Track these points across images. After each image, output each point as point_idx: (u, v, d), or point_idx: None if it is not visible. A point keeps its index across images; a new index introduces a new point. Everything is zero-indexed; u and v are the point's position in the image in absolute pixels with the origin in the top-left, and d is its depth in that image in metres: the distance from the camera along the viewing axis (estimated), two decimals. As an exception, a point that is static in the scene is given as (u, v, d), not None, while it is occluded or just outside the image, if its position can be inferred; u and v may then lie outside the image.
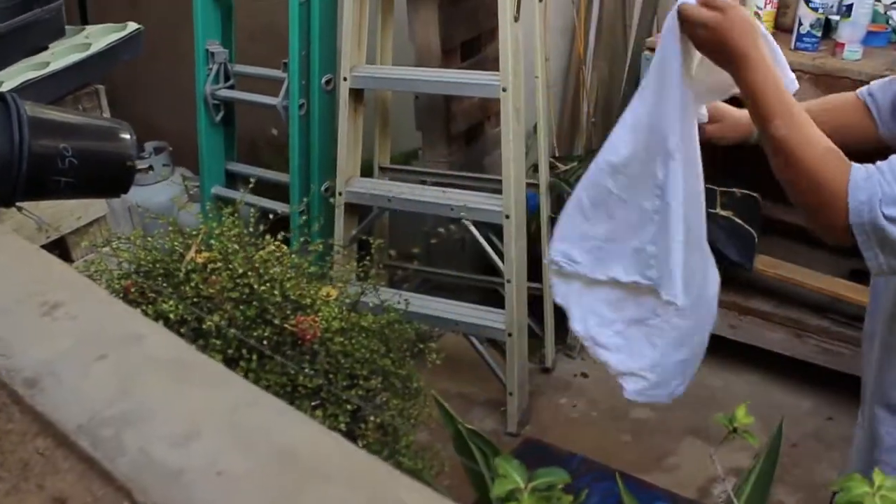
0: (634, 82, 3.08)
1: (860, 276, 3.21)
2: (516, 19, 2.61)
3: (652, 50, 2.85)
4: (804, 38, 2.77)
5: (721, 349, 3.23)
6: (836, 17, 2.76)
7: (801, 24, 2.77)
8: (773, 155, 1.34)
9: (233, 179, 3.38)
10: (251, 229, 1.85)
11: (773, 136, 1.31)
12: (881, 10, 2.92)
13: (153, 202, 3.33)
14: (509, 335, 2.84)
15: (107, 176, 1.50)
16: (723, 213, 3.10)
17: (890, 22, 2.88)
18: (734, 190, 3.21)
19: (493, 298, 3.13)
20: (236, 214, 1.82)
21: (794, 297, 3.07)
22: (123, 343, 1.01)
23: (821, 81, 2.66)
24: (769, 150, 1.34)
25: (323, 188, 3.09)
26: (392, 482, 0.81)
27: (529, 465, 0.80)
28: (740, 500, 1.32)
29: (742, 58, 1.29)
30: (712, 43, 1.31)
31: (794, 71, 2.63)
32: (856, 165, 1.27)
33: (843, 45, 2.69)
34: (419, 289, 3.36)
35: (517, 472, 0.75)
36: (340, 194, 2.97)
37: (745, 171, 3.36)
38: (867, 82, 2.56)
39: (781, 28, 2.88)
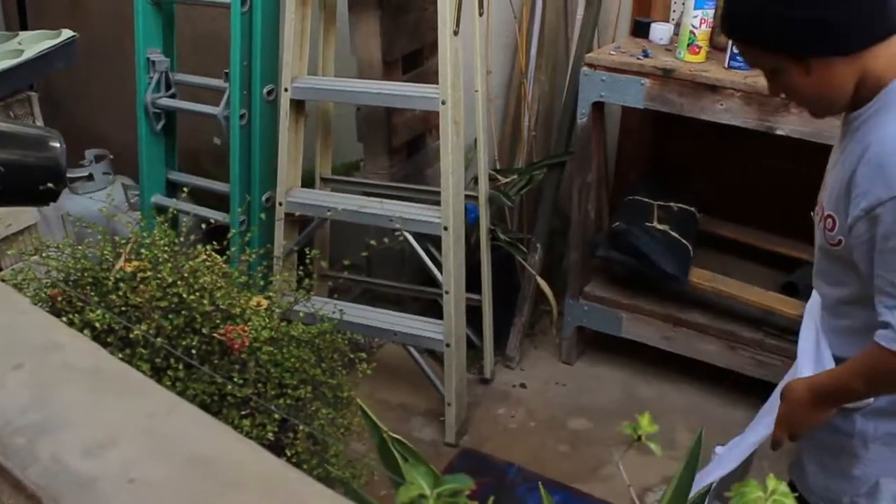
0: (574, 96, 3.12)
1: (793, 289, 3.29)
2: (456, 33, 2.64)
3: (591, 66, 2.92)
4: (737, 58, 2.83)
5: (656, 361, 3.29)
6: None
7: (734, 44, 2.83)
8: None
9: (173, 189, 3.35)
10: (191, 238, 1.85)
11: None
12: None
13: (92, 211, 3.29)
14: (447, 346, 2.86)
15: (35, 184, 1.49)
16: (659, 226, 3.16)
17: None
18: (671, 204, 3.28)
19: (434, 309, 3.15)
20: (174, 223, 1.81)
21: (728, 309, 3.13)
22: (41, 352, 1.01)
23: (752, 100, 2.72)
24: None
25: (264, 198, 3.08)
26: (304, 490, 0.82)
27: (468, 474, 0.81)
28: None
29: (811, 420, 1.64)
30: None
31: (727, 89, 2.74)
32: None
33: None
34: (359, 299, 3.37)
35: (424, 478, 0.77)
36: (281, 204, 2.97)
37: (684, 187, 3.43)
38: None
39: (716, 47, 2.94)
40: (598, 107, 3.05)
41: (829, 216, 1.52)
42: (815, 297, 1.78)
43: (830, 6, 1.36)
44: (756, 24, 1.43)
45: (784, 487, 0.79)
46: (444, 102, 2.66)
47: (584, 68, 2.96)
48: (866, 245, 1.43)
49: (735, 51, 2.84)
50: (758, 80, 2.75)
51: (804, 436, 1.70)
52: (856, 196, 1.41)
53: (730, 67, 2.85)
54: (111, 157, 3.75)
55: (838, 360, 1.64)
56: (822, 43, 1.38)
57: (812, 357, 1.71)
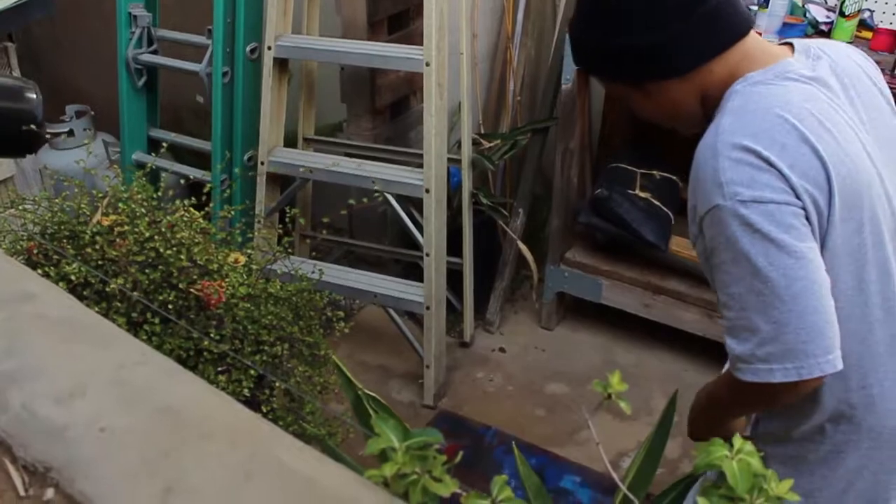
0: (560, 61, 3.11)
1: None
2: (442, -6, 2.62)
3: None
4: (723, 25, 2.83)
5: (635, 327, 3.31)
6: (755, 7, 2.82)
7: (720, 12, 2.82)
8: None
9: (155, 146, 3.32)
10: (171, 193, 1.83)
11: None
12: (799, 2, 2.99)
13: (73, 167, 3.26)
14: (427, 308, 2.86)
15: (10, 135, 1.47)
16: (641, 194, 3.16)
17: (807, 15, 2.95)
18: (654, 172, 3.28)
19: (415, 272, 3.15)
20: (154, 180, 1.80)
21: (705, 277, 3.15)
22: (13, 301, 1.01)
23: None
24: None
25: (246, 157, 3.06)
26: (273, 441, 0.83)
27: (445, 436, 0.82)
28: (632, 470, 1.36)
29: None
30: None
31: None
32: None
33: (759, 34, 2.75)
34: (340, 261, 3.36)
35: (393, 432, 0.77)
36: (262, 164, 2.95)
37: (667, 156, 3.43)
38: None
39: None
40: (584, 72, 3.03)
41: (692, 232, 1.43)
42: None
43: (651, 31, 1.32)
44: (586, 53, 1.43)
45: (749, 446, 0.80)
46: (428, 64, 2.65)
47: (571, 33, 2.94)
48: (703, 262, 1.37)
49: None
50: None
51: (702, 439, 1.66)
52: (690, 210, 1.35)
53: (716, 35, 2.84)
54: (92, 112, 3.71)
55: None
56: (648, 68, 1.36)
57: None
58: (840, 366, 1.21)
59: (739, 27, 1.35)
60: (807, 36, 2.91)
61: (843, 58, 1.43)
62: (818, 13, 2.94)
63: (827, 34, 2.88)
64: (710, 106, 1.39)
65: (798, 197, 1.22)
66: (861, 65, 1.46)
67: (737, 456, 0.79)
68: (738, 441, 0.80)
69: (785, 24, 2.80)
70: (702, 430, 1.58)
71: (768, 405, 1.44)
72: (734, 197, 1.21)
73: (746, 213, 1.20)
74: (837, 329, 1.22)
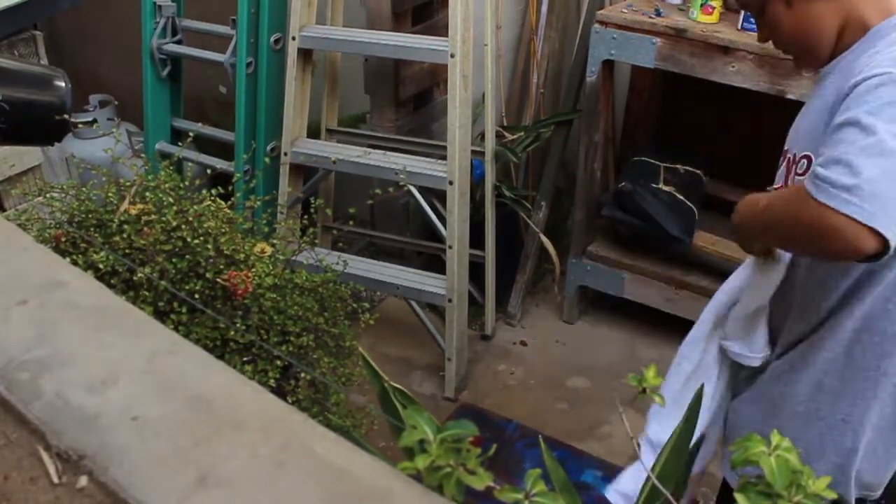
0: (584, 54, 3.09)
1: (795, 255, 3.28)
2: (467, -14, 2.61)
3: (602, 23, 2.88)
4: (751, 20, 2.80)
5: (658, 322, 3.29)
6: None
7: (748, 5, 2.80)
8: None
9: (178, 136, 3.33)
10: (196, 183, 1.84)
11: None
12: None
13: (96, 157, 3.27)
14: (449, 301, 2.86)
15: (39, 123, 1.48)
16: (665, 188, 3.14)
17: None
18: (678, 166, 3.26)
19: (437, 264, 3.15)
20: (178, 170, 1.80)
21: (731, 273, 3.13)
22: (45, 289, 1.01)
23: (765, 62, 2.70)
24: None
25: (269, 148, 3.06)
26: (306, 432, 0.82)
27: None
28: (658, 463, 1.35)
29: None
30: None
31: (739, 51, 2.71)
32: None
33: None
34: (363, 253, 3.36)
35: (427, 424, 0.77)
36: (286, 154, 2.95)
37: (691, 149, 3.41)
38: (809, 64, 2.61)
39: (730, 8, 2.91)
40: (608, 65, 3.02)
41: (805, 157, 1.44)
42: None
43: None
44: None
45: (787, 443, 0.79)
46: (452, 56, 2.64)
47: (595, 25, 2.92)
48: (817, 125, 1.36)
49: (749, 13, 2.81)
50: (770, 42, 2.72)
51: (749, 248, 1.60)
52: (838, 115, 1.30)
53: (743, 29, 2.82)
54: (116, 102, 3.72)
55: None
56: None
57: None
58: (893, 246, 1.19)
59: None
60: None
61: None
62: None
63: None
64: (845, 39, 1.38)
65: None
66: None
67: (774, 452, 0.78)
68: (775, 437, 0.79)
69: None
70: (746, 226, 1.52)
71: (812, 238, 1.31)
72: None
73: None
74: None
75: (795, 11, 1.38)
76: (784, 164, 1.55)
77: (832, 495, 0.78)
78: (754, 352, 1.67)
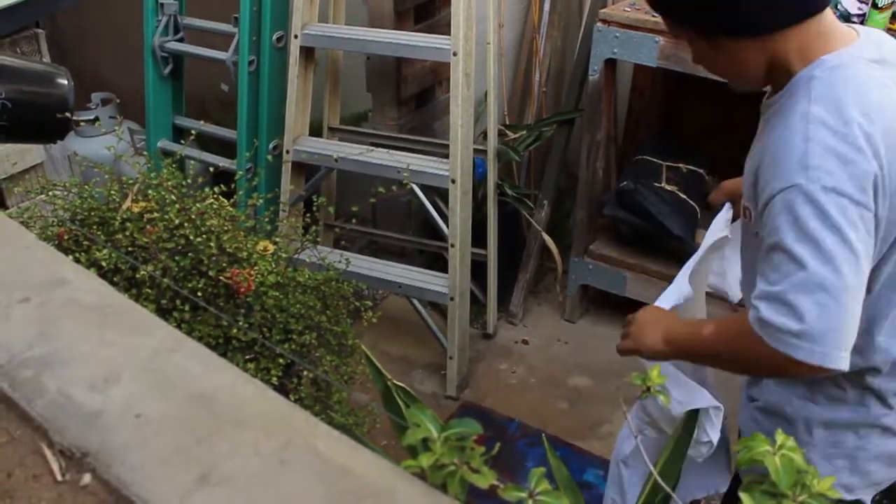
0: (586, 53, 3.09)
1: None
2: (470, -16, 2.61)
3: (605, 21, 2.88)
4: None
5: (659, 321, 3.28)
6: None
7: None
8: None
9: (180, 134, 3.33)
10: (199, 181, 1.84)
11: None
12: (831, -7, 2.95)
13: (98, 155, 3.27)
14: (451, 299, 2.86)
15: (42, 121, 1.48)
16: (667, 187, 3.14)
17: (839, 6, 2.91)
18: (680, 165, 3.25)
19: (439, 263, 3.15)
20: (180, 168, 1.80)
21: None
22: (47, 287, 1.01)
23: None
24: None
25: (271, 146, 3.06)
26: (308, 430, 0.82)
27: None
28: (660, 462, 1.35)
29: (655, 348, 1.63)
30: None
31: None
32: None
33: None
34: (364, 251, 3.36)
35: (431, 422, 0.77)
36: (288, 152, 2.95)
37: (693, 148, 3.41)
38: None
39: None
40: (611, 64, 3.02)
41: (746, 207, 1.49)
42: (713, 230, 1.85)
43: None
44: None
45: (791, 442, 0.79)
46: (455, 54, 2.64)
47: (598, 24, 2.91)
48: (750, 239, 1.43)
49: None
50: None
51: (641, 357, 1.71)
52: (761, 187, 1.36)
53: (746, 27, 2.81)
54: (118, 100, 3.72)
55: None
56: (726, 23, 1.36)
57: (679, 293, 1.73)
58: (847, 368, 1.26)
59: (819, 1, 1.35)
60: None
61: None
62: (850, 5, 2.89)
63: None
64: (774, 74, 1.40)
65: (875, 198, 1.26)
66: None
67: (779, 451, 0.78)
68: (780, 437, 0.79)
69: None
70: (647, 353, 1.66)
71: (770, 373, 1.47)
72: (818, 181, 1.24)
73: (824, 200, 1.23)
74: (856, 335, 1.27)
75: (718, 49, 1.40)
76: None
77: (836, 495, 0.78)
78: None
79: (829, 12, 1.37)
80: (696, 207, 3.14)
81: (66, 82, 1.47)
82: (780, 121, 1.36)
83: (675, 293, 1.75)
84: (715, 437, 1.64)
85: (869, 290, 1.35)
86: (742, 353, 1.38)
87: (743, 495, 0.73)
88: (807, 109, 1.30)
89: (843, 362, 1.25)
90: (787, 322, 1.25)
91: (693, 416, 1.50)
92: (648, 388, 0.87)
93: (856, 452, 1.55)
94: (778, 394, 1.59)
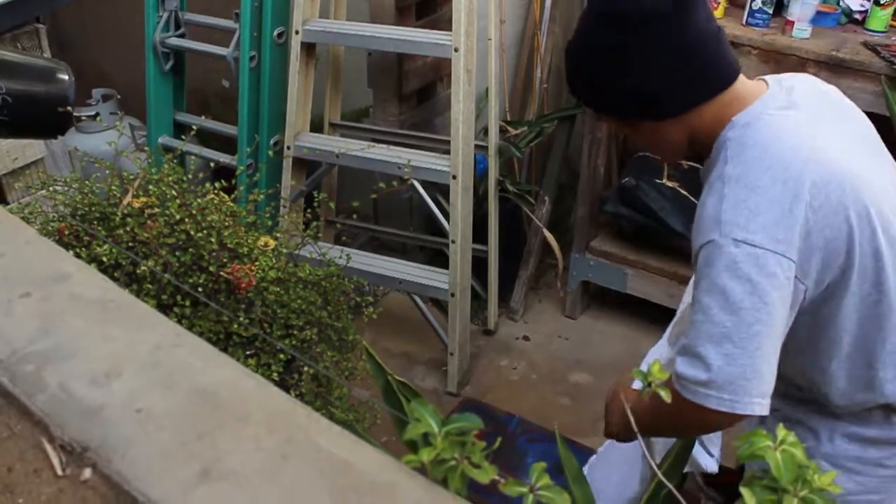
0: (587, 49, 3.07)
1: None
2: (471, -20, 2.60)
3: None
4: (756, 14, 2.80)
5: (661, 318, 3.28)
6: (789, -6, 2.79)
7: (753, 0, 2.79)
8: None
9: (181, 130, 3.33)
10: (200, 176, 1.83)
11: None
12: (833, -11, 2.95)
13: (99, 151, 3.27)
14: (452, 296, 2.86)
15: (43, 116, 1.48)
16: (669, 183, 3.14)
17: (840, 3, 2.91)
18: (682, 162, 3.25)
19: (440, 260, 3.15)
20: (181, 164, 1.79)
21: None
22: (48, 282, 1.01)
23: (769, 57, 2.69)
24: None
25: (272, 142, 3.06)
26: (310, 425, 0.82)
27: None
28: (667, 460, 1.35)
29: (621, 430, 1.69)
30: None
31: (743, 46, 2.70)
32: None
33: (792, 22, 2.72)
34: (365, 248, 3.36)
35: (432, 417, 0.76)
36: (289, 148, 2.95)
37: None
38: (813, 61, 2.61)
39: (734, 3, 2.90)
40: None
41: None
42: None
43: (649, 79, 1.38)
44: (584, 87, 1.50)
45: (792, 437, 0.79)
46: (456, 50, 2.63)
47: (600, 20, 2.90)
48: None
49: (754, 7, 2.81)
50: (775, 38, 2.72)
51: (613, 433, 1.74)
52: (692, 248, 1.41)
53: (748, 24, 2.81)
54: (118, 96, 3.72)
55: None
56: (643, 110, 1.43)
57: (660, 354, 1.84)
58: (766, 413, 1.31)
59: (728, 76, 1.42)
60: (840, 25, 2.88)
61: (812, 84, 1.51)
62: (852, 2, 2.90)
63: (861, 23, 2.84)
64: (697, 143, 1.46)
65: (790, 246, 1.28)
66: (832, 90, 1.53)
67: (780, 447, 0.77)
68: (781, 432, 0.79)
69: (819, 13, 2.76)
70: (620, 431, 1.70)
71: (698, 426, 1.47)
72: (729, 234, 1.28)
73: (735, 252, 1.27)
74: (774, 380, 1.31)
75: (640, 131, 1.48)
76: None
77: (837, 490, 0.78)
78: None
79: (739, 78, 1.44)
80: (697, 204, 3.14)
81: (66, 77, 1.47)
82: (707, 185, 1.40)
83: (656, 354, 1.80)
84: (716, 450, 1.67)
85: (856, 330, 1.39)
86: (672, 412, 1.36)
87: (744, 490, 0.73)
88: (722, 170, 1.35)
89: (757, 408, 1.29)
90: (697, 373, 1.30)
91: None
92: (649, 384, 0.87)
93: (876, 470, 1.54)
94: (798, 424, 1.58)
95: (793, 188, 1.29)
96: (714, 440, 1.77)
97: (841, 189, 1.31)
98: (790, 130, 1.36)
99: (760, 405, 1.29)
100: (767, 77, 1.48)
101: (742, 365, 1.27)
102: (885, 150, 1.51)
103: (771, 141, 1.34)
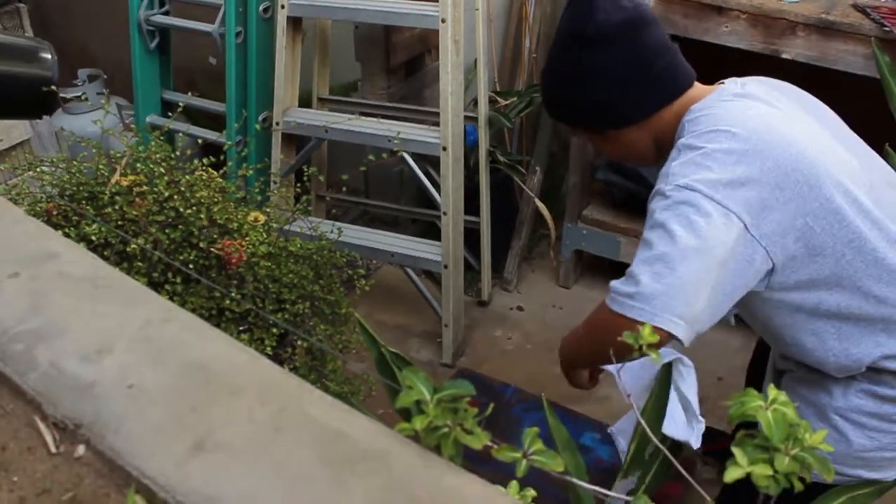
0: (575, 17, 3.06)
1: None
2: (457, -51, 2.58)
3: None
4: (743, -23, 2.78)
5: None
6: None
7: (742, -38, 2.77)
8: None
9: (169, 108, 3.31)
10: (188, 153, 1.82)
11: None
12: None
13: (86, 131, 3.26)
14: (445, 267, 2.86)
15: (26, 96, 1.47)
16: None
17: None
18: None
19: (432, 232, 3.14)
20: (170, 142, 1.78)
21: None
22: (37, 261, 1.00)
23: (758, 21, 2.67)
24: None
25: (261, 118, 3.05)
26: (303, 396, 0.82)
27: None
28: (646, 413, 1.37)
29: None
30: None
31: (732, 10, 2.69)
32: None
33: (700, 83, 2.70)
34: (357, 222, 3.36)
35: (423, 384, 0.77)
36: (277, 124, 2.94)
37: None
38: (803, 24, 2.60)
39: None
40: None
41: None
42: None
43: (609, 90, 1.56)
44: (554, 105, 1.70)
45: (784, 397, 0.79)
46: (443, 21, 2.61)
47: (587, -13, 2.89)
48: None
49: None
50: (764, 2, 2.71)
51: (576, 384, 1.86)
52: None
53: (736, -12, 2.79)
54: (105, 76, 3.69)
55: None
56: (606, 120, 1.60)
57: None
58: (686, 343, 1.38)
59: (684, 81, 1.60)
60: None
61: (768, 81, 1.65)
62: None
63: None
64: (662, 145, 1.59)
65: (733, 201, 1.37)
66: (790, 86, 1.67)
67: (771, 406, 0.78)
68: (772, 392, 0.79)
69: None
70: (566, 361, 1.84)
71: (613, 341, 1.50)
72: (672, 182, 1.41)
73: (675, 195, 1.39)
74: (705, 317, 1.39)
75: (609, 140, 1.65)
76: None
77: (829, 448, 0.78)
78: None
79: (695, 84, 1.61)
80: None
81: (49, 56, 1.45)
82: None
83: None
84: (690, 394, 1.68)
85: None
86: (598, 327, 1.55)
87: (735, 449, 0.73)
88: (677, 143, 1.49)
89: (673, 326, 1.35)
90: (626, 287, 1.40)
91: (668, 368, 1.51)
92: (640, 348, 0.88)
93: (892, 426, 1.58)
94: (813, 382, 1.63)
95: (739, 151, 1.39)
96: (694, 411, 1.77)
97: (789, 156, 1.39)
98: (741, 108, 1.49)
99: (679, 326, 1.35)
100: (725, 80, 1.63)
101: (668, 283, 1.35)
102: (849, 132, 1.61)
103: (722, 116, 1.46)
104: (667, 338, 1.36)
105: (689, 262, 1.35)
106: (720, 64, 3.12)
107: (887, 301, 1.46)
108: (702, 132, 1.45)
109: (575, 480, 0.93)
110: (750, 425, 0.77)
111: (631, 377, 1.74)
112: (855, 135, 1.61)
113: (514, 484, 0.91)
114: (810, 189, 1.39)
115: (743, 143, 1.40)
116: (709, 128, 1.45)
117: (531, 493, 0.76)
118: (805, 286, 1.45)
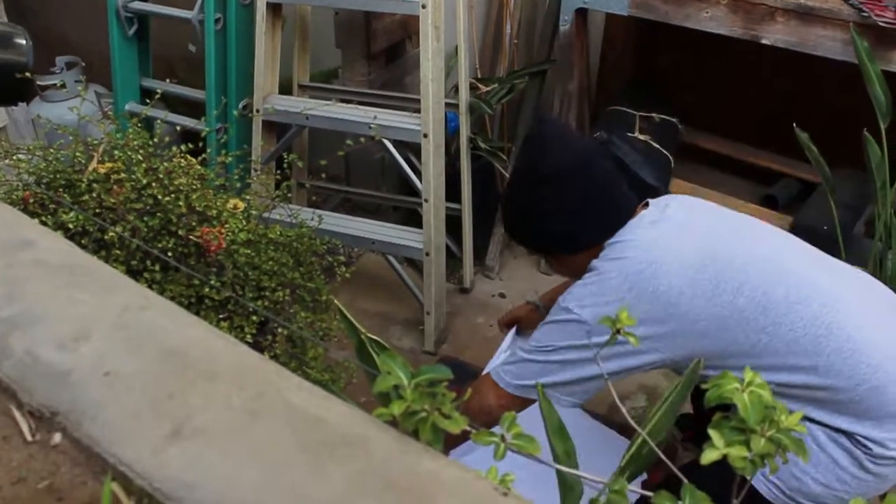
0: (557, 2, 3.06)
1: (773, 202, 3.30)
2: (436, -66, 2.57)
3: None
4: (723, -37, 2.79)
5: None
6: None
7: (722, -53, 2.78)
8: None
9: (148, 96, 3.28)
10: (166, 140, 1.81)
11: None
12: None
13: (64, 119, 3.22)
14: (427, 255, 2.85)
15: (1, 83, 1.45)
16: (641, 136, 3.14)
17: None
18: (653, 114, 3.25)
19: (414, 220, 3.14)
20: (149, 129, 1.77)
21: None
22: (12, 249, 1.00)
23: (738, 7, 2.68)
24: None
25: (241, 105, 3.03)
26: (280, 382, 0.82)
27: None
28: (653, 417, 1.36)
29: None
30: None
31: (713, -6, 2.68)
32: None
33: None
34: (338, 210, 3.35)
35: (401, 369, 0.77)
36: (258, 111, 2.92)
37: (666, 97, 3.40)
38: (783, 10, 2.61)
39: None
40: (582, 13, 3.00)
41: None
42: None
43: (563, 223, 1.76)
44: (515, 232, 1.92)
45: (760, 379, 0.79)
46: (424, 7, 2.60)
47: (568, -26, 2.89)
48: None
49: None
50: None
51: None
52: None
53: (715, -27, 2.79)
54: (83, 64, 3.66)
55: None
56: (561, 247, 1.82)
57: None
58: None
59: (628, 212, 1.76)
60: None
61: (689, 200, 1.81)
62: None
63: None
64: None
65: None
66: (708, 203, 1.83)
67: (748, 388, 0.78)
68: (748, 374, 0.80)
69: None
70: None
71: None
72: (567, 303, 1.65)
73: (565, 316, 1.65)
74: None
75: (564, 263, 1.87)
76: None
77: (803, 430, 0.79)
78: None
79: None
80: (669, 156, 3.15)
81: (24, 42, 1.43)
82: None
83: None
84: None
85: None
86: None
87: (712, 432, 0.74)
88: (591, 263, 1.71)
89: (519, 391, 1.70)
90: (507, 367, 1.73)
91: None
92: (618, 331, 0.88)
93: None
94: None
95: (633, 281, 1.58)
96: None
97: (693, 270, 1.57)
98: (649, 237, 1.65)
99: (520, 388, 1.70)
100: (651, 200, 1.81)
101: (533, 372, 1.66)
102: (769, 230, 1.76)
103: (629, 246, 1.64)
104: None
105: (555, 366, 1.66)
106: (702, 46, 3.13)
107: None
108: (605, 261, 1.65)
109: (562, 467, 0.94)
110: (726, 407, 0.78)
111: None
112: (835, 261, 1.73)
113: (493, 469, 0.92)
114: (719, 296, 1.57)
115: (637, 277, 1.58)
116: (612, 258, 1.64)
117: (511, 476, 0.76)
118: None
